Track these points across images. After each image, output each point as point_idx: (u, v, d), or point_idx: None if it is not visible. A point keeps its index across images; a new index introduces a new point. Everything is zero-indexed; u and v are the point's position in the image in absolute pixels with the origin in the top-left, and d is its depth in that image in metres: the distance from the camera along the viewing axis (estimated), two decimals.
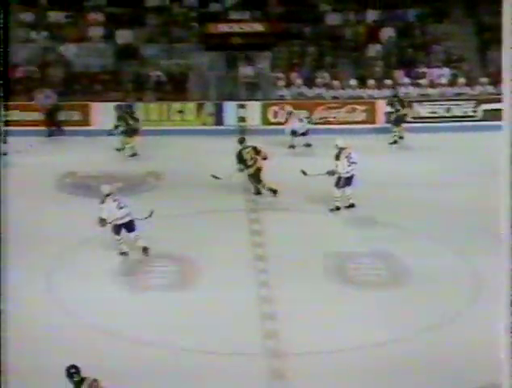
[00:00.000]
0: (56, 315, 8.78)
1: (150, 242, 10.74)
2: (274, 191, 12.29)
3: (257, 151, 12.24)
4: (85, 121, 16.10)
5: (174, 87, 17.01)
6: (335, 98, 16.79)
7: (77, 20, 17.59)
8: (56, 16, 17.49)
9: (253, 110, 16.37)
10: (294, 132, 15.14)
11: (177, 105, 16.45)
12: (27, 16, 17.40)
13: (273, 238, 10.81)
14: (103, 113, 15.87)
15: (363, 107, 16.56)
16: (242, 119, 16.35)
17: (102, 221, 10.10)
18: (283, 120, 15.62)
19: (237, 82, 17.16)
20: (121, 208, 10.15)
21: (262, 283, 9.54)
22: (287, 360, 7.86)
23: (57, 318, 8.72)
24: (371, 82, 16.95)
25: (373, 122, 16.17)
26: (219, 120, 16.43)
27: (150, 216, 10.51)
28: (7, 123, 15.07)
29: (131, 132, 14.56)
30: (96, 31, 17.57)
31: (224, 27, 17.64)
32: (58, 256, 10.26)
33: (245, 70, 17.25)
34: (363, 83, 16.96)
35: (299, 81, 17.02)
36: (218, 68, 17.29)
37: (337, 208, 11.79)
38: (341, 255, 10.30)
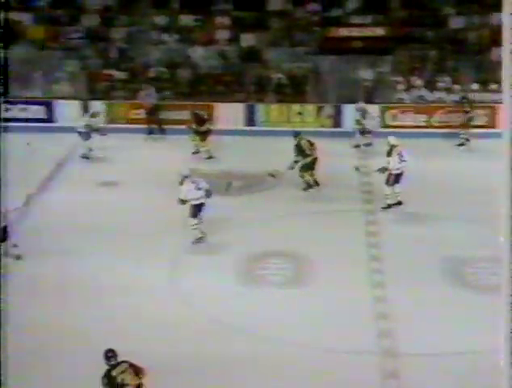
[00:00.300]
0: (174, 306, 9.25)
1: (268, 240, 11.19)
2: (317, 184, 12.84)
3: (311, 143, 12.89)
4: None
5: (295, 89, 17.39)
6: (456, 102, 16.61)
7: (205, 24, 18.24)
8: (186, 19, 18.21)
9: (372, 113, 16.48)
10: (362, 132, 15.30)
11: (296, 107, 16.83)
12: (160, 19, 18.19)
13: (388, 239, 10.95)
14: (227, 113, 16.52)
15: (484, 112, 16.30)
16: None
17: (182, 202, 10.65)
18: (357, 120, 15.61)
19: (357, 86, 17.33)
20: (199, 189, 10.70)
21: (376, 283, 9.72)
22: (400, 359, 8.01)
23: (175, 308, 9.20)
24: (493, 86, 16.64)
25: (494, 126, 15.87)
26: (337, 123, 16.65)
27: (228, 189, 10.94)
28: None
29: (201, 134, 14.91)
30: (222, 35, 18.24)
31: (345, 31, 17.84)
32: (178, 250, 10.79)
33: (365, 74, 17.40)
34: (484, 87, 16.69)
35: (419, 84, 17.01)
36: (338, 71, 17.51)
37: (389, 206, 12.00)
38: (458, 259, 10.30)
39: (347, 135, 15.69)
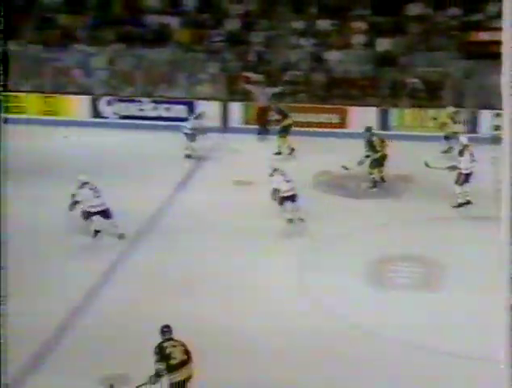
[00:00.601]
0: (302, 304, 9.43)
1: (399, 243, 11.24)
2: (383, 181, 13.40)
3: (382, 140, 13.41)
4: (342, 124, 17.03)
5: (430, 94, 17.27)
6: None
7: (342, 28, 18.45)
8: (323, 24, 18.51)
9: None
10: (447, 137, 14.92)
11: (431, 112, 16.71)
12: (298, 24, 18.60)
13: None
14: (360, 117, 16.65)
15: None
16: (498, 127, 16.13)
17: (275, 192, 11.40)
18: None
19: (495, 91, 16.90)
20: (287, 181, 11.41)
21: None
22: None
23: (303, 306, 9.38)
24: None
25: None
26: (473, 128, 16.37)
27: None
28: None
29: (282, 132, 15.16)
30: (358, 39, 18.40)
31: (485, 36, 17.46)
32: (308, 249, 11.01)
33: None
34: None
35: None
36: (475, 76, 17.20)
37: (460, 205, 12.04)
38: None
39: (483, 141, 15.35)
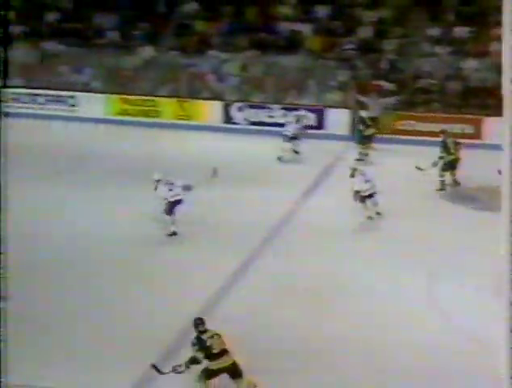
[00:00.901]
0: (430, 317, 9.26)
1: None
2: (458, 184, 13.65)
3: (457, 143, 13.68)
4: (477, 135, 16.43)
5: None
6: None
7: (479, 35, 17.85)
8: (460, 31, 18.01)
9: None
10: None
11: None
12: (434, 31, 18.19)
13: None
14: (496, 128, 15.92)
15: None
16: None
17: (356, 193, 11.90)
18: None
19: None
20: (367, 181, 11.97)
21: None
22: None
23: (431, 319, 9.20)
24: None
25: None
26: None
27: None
28: None
29: (364, 138, 15.49)
30: (497, 46, 17.63)
31: None
32: (436, 259, 10.76)
33: None
34: None
35: None
36: None
37: None
38: None
39: None
